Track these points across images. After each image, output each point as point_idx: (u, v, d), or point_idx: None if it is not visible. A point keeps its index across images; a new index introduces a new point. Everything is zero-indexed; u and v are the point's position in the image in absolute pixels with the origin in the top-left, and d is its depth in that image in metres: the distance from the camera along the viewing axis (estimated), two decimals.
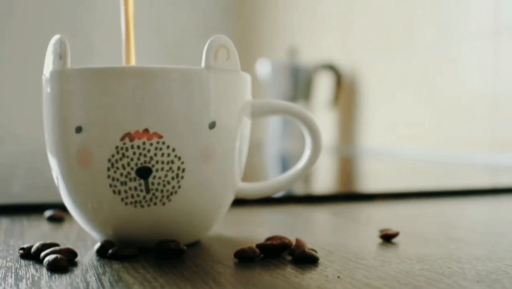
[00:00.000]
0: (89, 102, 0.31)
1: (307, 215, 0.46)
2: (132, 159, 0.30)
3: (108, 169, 0.31)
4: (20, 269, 0.28)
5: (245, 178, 0.36)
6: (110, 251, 0.30)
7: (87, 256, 0.31)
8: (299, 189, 0.58)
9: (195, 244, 0.34)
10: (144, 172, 0.31)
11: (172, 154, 0.31)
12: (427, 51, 1.14)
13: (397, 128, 1.22)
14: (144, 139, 0.30)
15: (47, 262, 0.28)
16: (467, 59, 1.03)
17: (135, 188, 0.31)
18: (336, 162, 1.07)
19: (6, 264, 0.29)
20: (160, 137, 0.30)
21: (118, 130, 0.30)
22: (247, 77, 0.34)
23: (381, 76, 1.29)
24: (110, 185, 0.31)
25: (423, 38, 1.15)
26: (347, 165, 1.03)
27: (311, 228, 0.42)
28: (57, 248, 0.30)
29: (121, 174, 0.31)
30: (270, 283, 0.26)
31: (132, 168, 0.31)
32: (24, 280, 0.26)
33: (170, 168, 0.31)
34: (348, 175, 0.85)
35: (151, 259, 0.30)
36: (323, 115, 1.47)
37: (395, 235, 0.35)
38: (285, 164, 1.01)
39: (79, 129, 0.31)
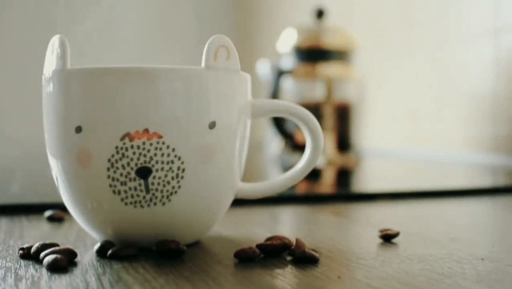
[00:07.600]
0: (89, 102, 0.31)
1: (307, 215, 0.46)
2: (132, 159, 0.30)
3: (108, 169, 0.31)
4: (20, 269, 0.28)
5: (245, 178, 0.36)
6: (109, 251, 0.30)
7: (87, 256, 0.31)
8: (299, 189, 0.58)
9: (195, 244, 0.34)
10: (144, 172, 0.31)
11: (172, 154, 0.31)
12: (427, 51, 1.14)
13: (398, 128, 1.22)
14: (144, 139, 0.30)
15: (46, 262, 0.28)
16: (467, 59, 1.03)
17: (135, 188, 0.31)
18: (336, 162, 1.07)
19: (6, 264, 0.29)
20: (160, 137, 0.30)
21: (118, 130, 0.30)
22: (247, 77, 0.34)
23: (381, 76, 1.29)
24: (110, 185, 0.31)
25: (423, 38, 1.15)
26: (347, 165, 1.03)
27: (311, 228, 0.42)
28: (57, 248, 0.30)
29: (121, 174, 0.31)
30: (270, 283, 0.26)
31: (132, 168, 0.31)
32: (24, 280, 0.26)
33: (170, 168, 0.31)
34: (348, 175, 0.85)
35: (151, 259, 0.30)
36: None
37: (395, 235, 0.35)
38: (285, 164, 1.01)
39: (79, 129, 0.31)
